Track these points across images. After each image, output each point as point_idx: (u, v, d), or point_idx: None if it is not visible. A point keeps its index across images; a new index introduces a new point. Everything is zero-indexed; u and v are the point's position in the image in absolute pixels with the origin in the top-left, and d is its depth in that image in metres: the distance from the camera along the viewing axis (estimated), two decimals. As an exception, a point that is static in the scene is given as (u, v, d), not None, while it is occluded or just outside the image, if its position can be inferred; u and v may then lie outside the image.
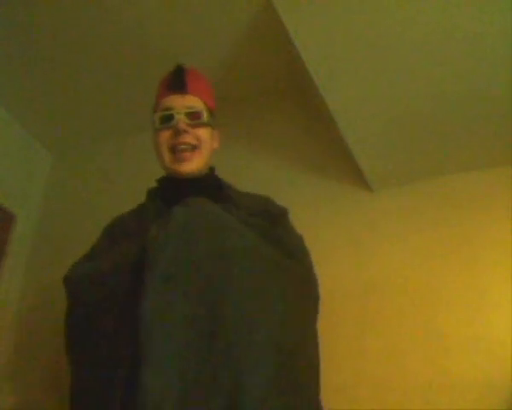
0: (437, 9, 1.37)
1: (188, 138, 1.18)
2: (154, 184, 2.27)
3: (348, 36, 1.49)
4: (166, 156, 1.20)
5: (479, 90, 1.54)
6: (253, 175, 2.00)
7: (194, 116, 1.20)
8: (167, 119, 1.19)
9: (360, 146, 1.78)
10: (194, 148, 1.20)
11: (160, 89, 1.28)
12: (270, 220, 1.16)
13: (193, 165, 1.19)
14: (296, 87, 2.03)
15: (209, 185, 1.25)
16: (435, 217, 1.81)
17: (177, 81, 1.23)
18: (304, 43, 1.53)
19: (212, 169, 1.32)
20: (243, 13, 1.81)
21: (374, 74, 1.55)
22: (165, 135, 1.19)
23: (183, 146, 1.19)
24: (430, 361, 1.59)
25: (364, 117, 1.67)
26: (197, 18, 1.85)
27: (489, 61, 1.46)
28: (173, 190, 1.20)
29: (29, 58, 2.07)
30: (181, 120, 1.17)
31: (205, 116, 1.22)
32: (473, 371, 1.53)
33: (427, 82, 1.54)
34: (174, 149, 1.19)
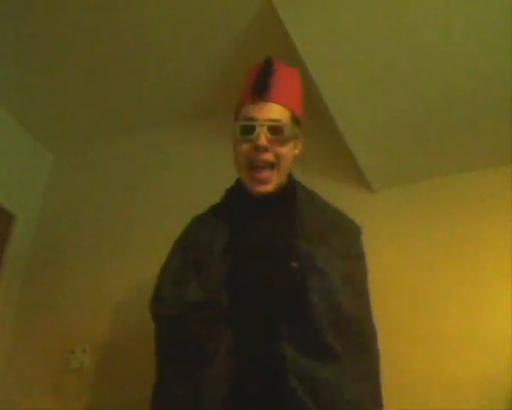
0: (437, 9, 1.37)
1: (267, 156, 1.11)
2: (151, 185, 2.31)
3: (348, 36, 1.49)
4: (244, 171, 1.15)
5: (479, 91, 1.54)
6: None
7: (276, 130, 1.11)
8: (249, 130, 1.12)
9: (360, 146, 1.78)
10: (272, 166, 1.13)
11: (244, 90, 1.19)
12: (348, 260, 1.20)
13: (270, 187, 1.14)
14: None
15: (279, 205, 1.19)
16: (435, 217, 1.81)
17: (261, 85, 1.13)
18: (303, 43, 1.53)
19: (289, 176, 1.23)
20: (243, 13, 1.81)
21: (374, 74, 1.56)
22: (245, 147, 1.13)
23: (261, 163, 1.12)
24: (430, 361, 1.59)
25: (364, 117, 1.67)
26: (197, 18, 1.85)
27: (489, 62, 1.46)
28: (244, 206, 1.19)
29: (29, 59, 2.07)
30: (262, 134, 1.10)
31: (288, 130, 1.13)
32: (473, 371, 1.53)
33: (428, 82, 1.54)
34: (252, 165, 1.13)
